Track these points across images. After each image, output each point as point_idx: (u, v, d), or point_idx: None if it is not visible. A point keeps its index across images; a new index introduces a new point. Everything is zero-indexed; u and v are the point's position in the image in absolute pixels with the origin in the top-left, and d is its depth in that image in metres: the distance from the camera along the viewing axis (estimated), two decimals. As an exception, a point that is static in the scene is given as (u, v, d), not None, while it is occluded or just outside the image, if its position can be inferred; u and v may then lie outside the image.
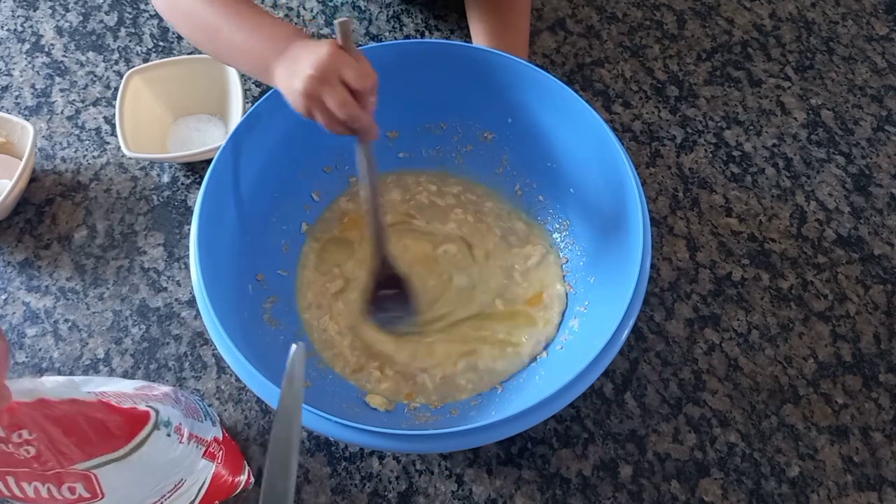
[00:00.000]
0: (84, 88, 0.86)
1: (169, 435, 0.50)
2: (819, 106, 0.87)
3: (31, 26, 0.91)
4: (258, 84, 0.86)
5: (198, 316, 0.70)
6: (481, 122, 0.73)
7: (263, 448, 0.65)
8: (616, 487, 0.64)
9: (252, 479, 0.62)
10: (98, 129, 0.83)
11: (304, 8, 0.93)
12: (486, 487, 0.63)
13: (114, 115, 0.82)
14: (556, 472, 0.64)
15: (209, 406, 0.64)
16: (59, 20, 0.91)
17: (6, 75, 0.86)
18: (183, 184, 0.79)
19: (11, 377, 0.42)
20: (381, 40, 0.90)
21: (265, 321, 0.64)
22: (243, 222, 0.65)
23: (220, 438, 0.60)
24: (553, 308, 0.68)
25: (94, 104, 0.84)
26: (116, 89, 0.80)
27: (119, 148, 0.80)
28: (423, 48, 0.69)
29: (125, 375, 0.68)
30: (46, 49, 0.89)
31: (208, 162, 0.65)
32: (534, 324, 0.67)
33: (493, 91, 0.69)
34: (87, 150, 0.81)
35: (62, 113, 0.84)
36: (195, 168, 0.80)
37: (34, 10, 0.92)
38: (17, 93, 0.85)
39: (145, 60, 0.88)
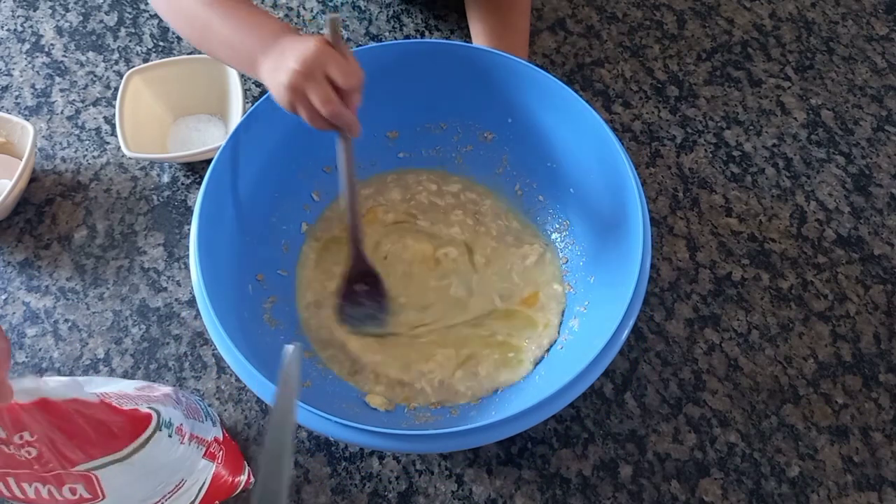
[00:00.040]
0: (84, 88, 0.86)
1: (170, 436, 0.50)
2: (819, 106, 0.87)
3: (31, 26, 0.91)
4: (258, 84, 0.86)
5: (198, 316, 0.70)
6: (481, 122, 0.73)
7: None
8: (616, 487, 0.64)
9: (252, 479, 0.62)
10: (98, 129, 0.83)
11: (304, 8, 0.93)
12: (486, 487, 0.63)
13: (114, 115, 0.82)
14: (556, 472, 0.64)
15: (209, 406, 0.64)
16: (59, 20, 0.91)
17: (6, 75, 0.86)
18: (183, 184, 0.79)
19: (12, 377, 0.42)
20: (381, 40, 0.90)
21: (265, 321, 0.64)
22: (243, 222, 0.65)
23: (221, 438, 0.60)
24: (551, 308, 0.68)
25: (94, 104, 0.84)
26: (116, 89, 0.80)
27: (119, 148, 0.80)
28: (423, 48, 0.69)
29: (125, 375, 0.68)
30: (46, 49, 0.89)
31: (208, 162, 0.65)
32: (534, 326, 0.67)
33: (493, 91, 0.69)
34: (87, 150, 0.81)
35: (62, 113, 0.84)
36: (195, 168, 0.80)
37: (34, 10, 0.92)
38: (17, 93, 0.85)
39: (145, 60, 0.88)
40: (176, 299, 0.72)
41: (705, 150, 0.83)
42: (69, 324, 0.71)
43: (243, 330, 0.58)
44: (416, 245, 0.71)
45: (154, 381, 0.68)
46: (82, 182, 0.79)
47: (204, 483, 0.56)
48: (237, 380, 0.68)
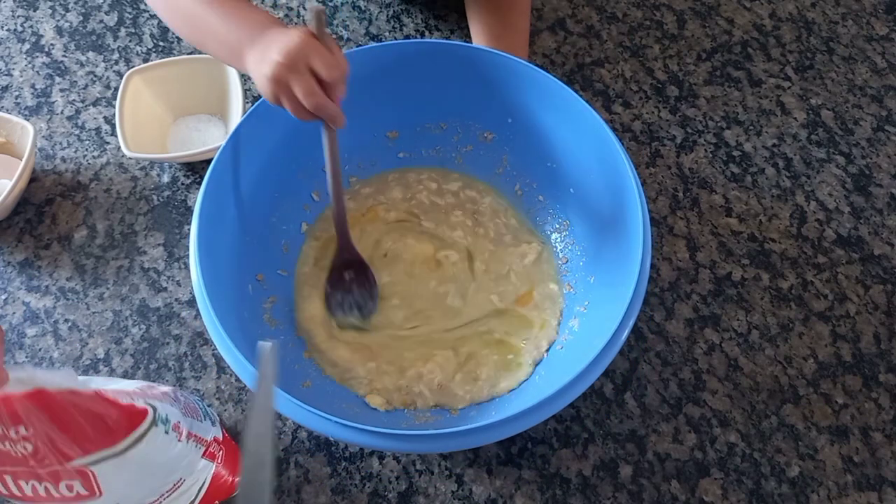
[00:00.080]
0: (84, 88, 0.86)
1: (167, 432, 0.50)
2: (819, 106, 0.87)
3: (31, 26, 0.91)
4: (258, 84, 0.86)
5: (198, 316, 0.70)
6: (481, 122, 0.73)
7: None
8: (616, 487, 0.64)
9: (252, 479, 0.62)
10: (98, 129, 0.83)
11: (304, 8, 0.93)
12: (486, 487, 0.63)
13: (114, 115, 0.82)
14: (556, 472, 0.64)
15: (209, 406, 0.64)
16: (59, 20, 0.91)
17: (6, 75, 0.86)
18: (183, 184, 0.79)
19: (7, 364, 0.42)
20: (381, 40, 0.90)
21: (265, 321, 0.64)
22: (243, 222, 0.65)
23: (220, 438, 0.60)
24: (546, 308, 0.67)
25: (94, 104, 0.84)
26: (116, 89, 0.80)
27: (119, 148, 0.80)
28: (423, 48, 0.69)
29: (125, 375, 0.68)
30: (46, 49, 0.89)
31: (208, 162, 0.65)
32: (529, 325, 0.67)
33: (493, 91, 0.69)
34: (87, 150, 0.81)
35: (62, 113, 0.84)
36: (195, 168, 0.80)
37: (34, 10, 0.92)
38: (17, 93, 0.85)
39: (145, 60, 0.88)
40: (176, 299, 0.72)
41: (705, 150, 0.83)
42: (69, 324, 0.71)
43: (243, 330, 0.58)
44: (417, 245, 0.71)
45: (154, 381, 0.68)
46: (82, 182, 0.79)
47: (204, 483, 0.56)
48: (237, 380, 0.68)
